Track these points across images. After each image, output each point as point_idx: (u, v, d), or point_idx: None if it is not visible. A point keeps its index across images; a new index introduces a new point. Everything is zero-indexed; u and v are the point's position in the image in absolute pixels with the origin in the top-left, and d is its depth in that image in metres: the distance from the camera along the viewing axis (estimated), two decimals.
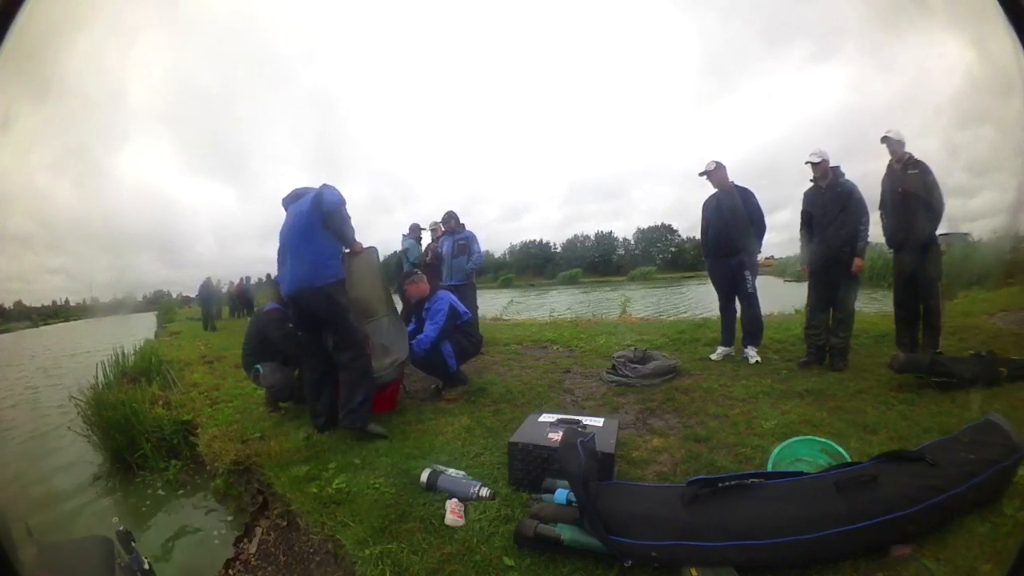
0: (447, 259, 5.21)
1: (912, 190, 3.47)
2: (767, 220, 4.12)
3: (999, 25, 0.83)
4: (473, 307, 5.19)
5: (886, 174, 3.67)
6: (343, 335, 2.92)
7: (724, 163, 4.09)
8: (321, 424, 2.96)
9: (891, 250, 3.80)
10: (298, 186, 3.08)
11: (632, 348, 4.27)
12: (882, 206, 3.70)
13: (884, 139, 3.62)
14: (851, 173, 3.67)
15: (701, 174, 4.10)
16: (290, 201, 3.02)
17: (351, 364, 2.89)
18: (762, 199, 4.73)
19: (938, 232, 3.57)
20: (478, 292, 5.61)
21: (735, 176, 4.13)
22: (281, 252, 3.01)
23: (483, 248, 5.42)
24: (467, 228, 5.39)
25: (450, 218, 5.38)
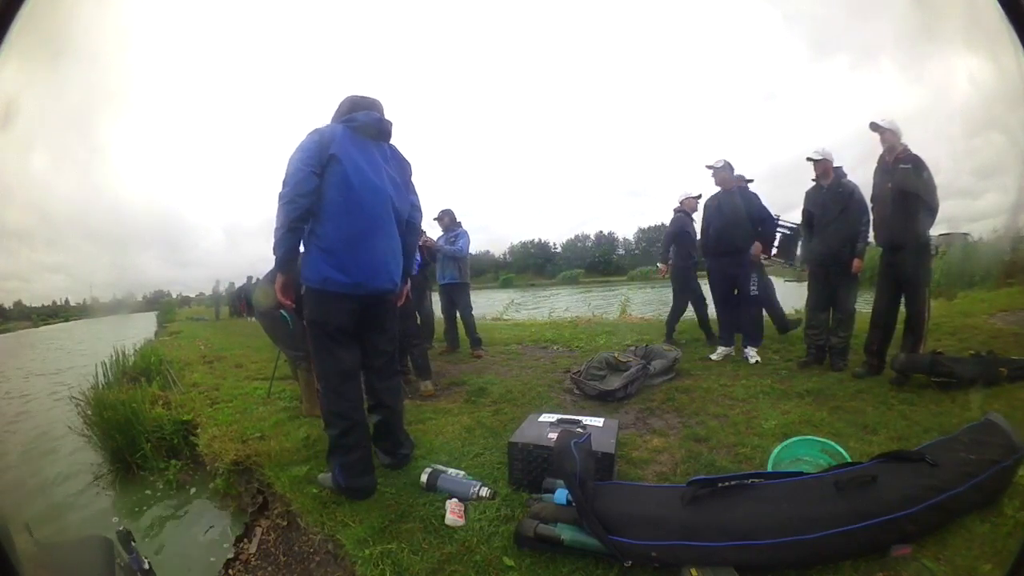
0: (439, 258, 5.08)
1: (902, 187, 3.17)
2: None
3: (1008, 40, 0.87)
4: (466, 307, 5.16)
5: (877, 166, 3.41)
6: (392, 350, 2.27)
7: (733, 163, 4.12)
8: (369, 487, 2.12)
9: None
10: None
11: (632, 347, 4.27)
12: (872, 201, 3.47)
13: (873, 126, 3.30)
14: (866, 176, 3.51)
15: (708, 167, 4.12)
16: (370, 128, 2.06)
17: (397, 400, 2.36)
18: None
19: (938, 232, 3.52)
20: (480, 292, 5.56)
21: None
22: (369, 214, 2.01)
23: (486, 249, 5.35)
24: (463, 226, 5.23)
25: (444, 215, 5.18)
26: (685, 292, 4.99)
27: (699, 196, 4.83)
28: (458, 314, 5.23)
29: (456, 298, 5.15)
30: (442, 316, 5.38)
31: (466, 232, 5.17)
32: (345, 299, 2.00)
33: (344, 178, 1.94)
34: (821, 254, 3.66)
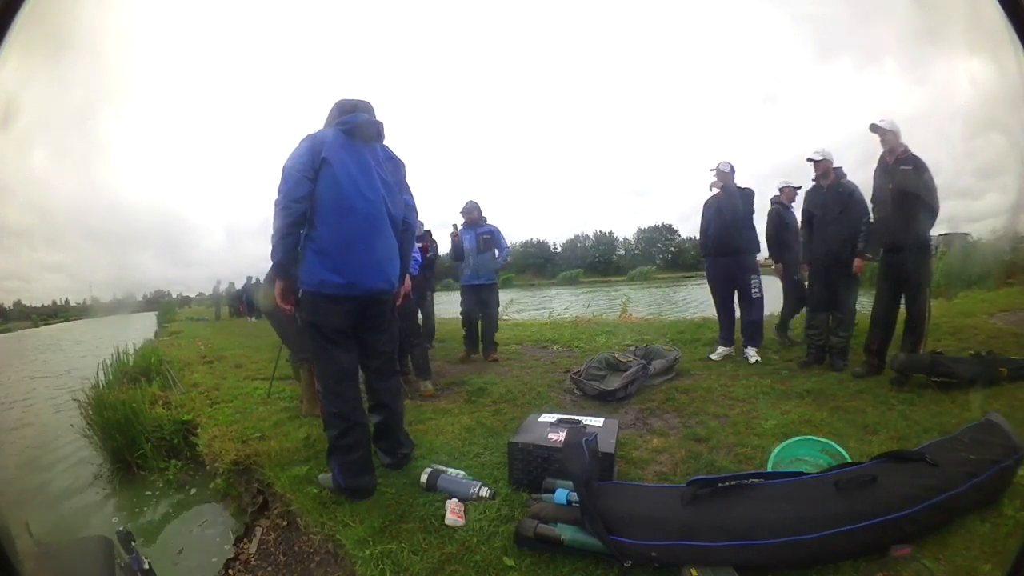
0: (471, 256, 4.77)
1: (902, 187, 3.17)
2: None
3: (1008, 41, 0.88)
4: (496, 307, 5.01)
5: (878, 167, 3.39)
6: (391, 349, 2.31)
7: (736, 167, 4.12)
8: (369, 487, 2.13)
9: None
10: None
11: (632, 347, 4.27)
12: (872, 202, 3.47)
13: (873, 127, 3.29)
14: (867, 177, 3.48)
15: (711, 170, 4.13)
16: (361, 131, 2.06)
17: (397, 400, 2.37)
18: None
19: (938, 233, 3.51)
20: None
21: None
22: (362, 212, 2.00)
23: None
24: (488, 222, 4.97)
25: (472, 209, 4.85)
26: (790, 286, 4.56)
27: (799, 187, 4.35)
28: (481, 315, 4.93)
29: (487, 299, 4.88)
30: (463, 319, 4.98)
31: (498, 228, 4.93)
32: (341, 300, 2.00)
33: (335, 181, 1.96)
34: (821, 254, 3.66)
